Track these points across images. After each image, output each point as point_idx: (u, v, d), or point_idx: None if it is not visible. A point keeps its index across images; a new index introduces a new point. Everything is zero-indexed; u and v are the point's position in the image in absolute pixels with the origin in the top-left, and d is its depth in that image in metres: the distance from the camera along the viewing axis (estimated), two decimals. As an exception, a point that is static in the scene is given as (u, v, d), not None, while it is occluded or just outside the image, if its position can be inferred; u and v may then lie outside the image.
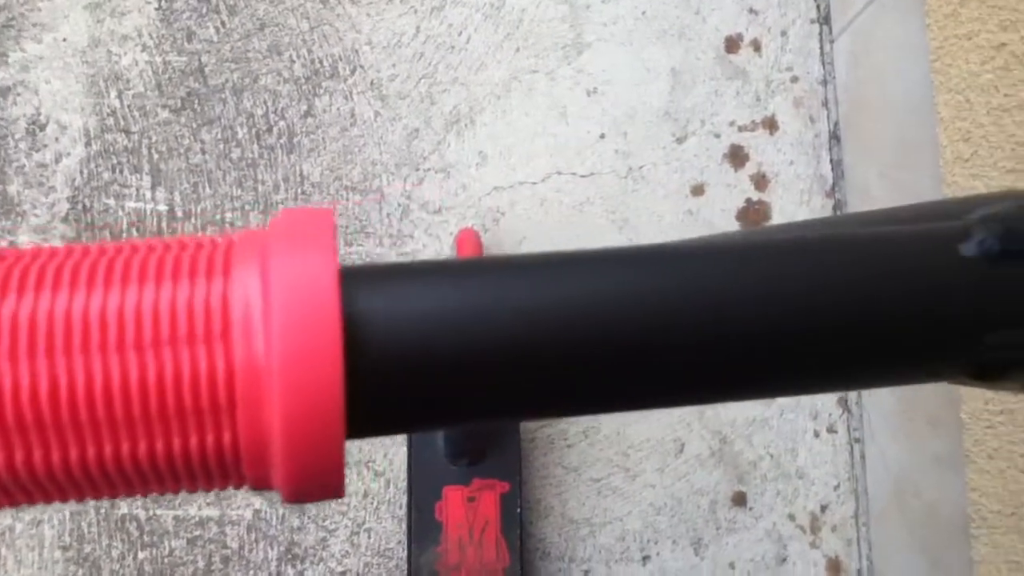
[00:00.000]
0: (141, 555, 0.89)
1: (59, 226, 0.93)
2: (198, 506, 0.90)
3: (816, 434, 0.93)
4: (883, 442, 0.88)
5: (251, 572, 0.90)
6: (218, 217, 0.94)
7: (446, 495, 0.85)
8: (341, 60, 0.95)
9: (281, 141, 0.94)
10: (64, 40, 0.95)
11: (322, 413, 0.18)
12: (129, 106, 0.94)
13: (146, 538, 0.89)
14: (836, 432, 0.93)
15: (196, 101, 0.95)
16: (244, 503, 0.90)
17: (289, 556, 0.90)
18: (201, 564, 0.89)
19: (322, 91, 0.95)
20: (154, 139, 0.94)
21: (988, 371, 0.23)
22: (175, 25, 0.95)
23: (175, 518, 0.90)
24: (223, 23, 0.95)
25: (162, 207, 0.94)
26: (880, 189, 0.86)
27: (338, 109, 0.95)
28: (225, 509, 0.90)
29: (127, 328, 0.18)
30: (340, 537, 0.91)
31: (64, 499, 0.19)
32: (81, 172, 0.94)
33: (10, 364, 0.17)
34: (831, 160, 0.96)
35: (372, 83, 0.95)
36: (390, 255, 0.94)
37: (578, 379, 0.20)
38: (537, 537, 0.91)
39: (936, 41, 0.69)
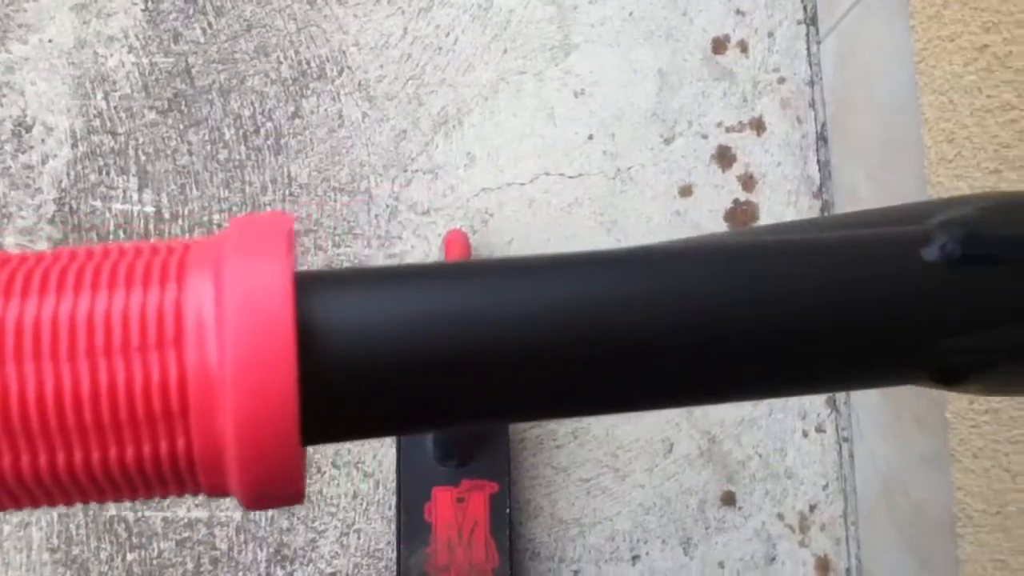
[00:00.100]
0: (130, 557, 0.89)
1: (45, 228, 0.93)
2: (187, 508, 0.90)
3: (805, 434, 0.94)
4: (872, 442, 0.88)
5: (240, 574, 0.90)
6: (205, 219, 0.93)
7: (435, 496, 0.85)
8: (329, 61, 0.95)
9: (268, 142, 0.94)
10: (50, 41, 0.95)
11: (276, 420, 0.18)
12: (116, 107, 0.94)
13: (135, 540, 0.89)
14: (825, 432, 0.94)
15: (183, 102, 0.94)
16: (233, 505, 0.90)
17: (278, 557, 0.90)
18: (190, 566, 0.89)
19: (310, 92, 0.95)
20: (141, 141, 0.94)
21: (950, 375, 0.23)
22: (162, 26, 0.95)
23: (164, 520, 0.90)
24: (210, 24, 0.95)
25: (149, 209, 0.94)
26: (867, 190, 0.86)
27: (326, 110, 0.95)
28: (214, 510, 0.90)
29: (79, 335, 0.18)
30: (329, 538, 0.91)
31: (18, 507, 0.19)
32: (68, 174, 0.93)
33: None
34: (818, 161, 0.96)
35: (360, 84, 0.95)
36: (378, 256, 0.94)
37: (535, 385, 0.20)
38: (527, 537, 0.91)
39: (920, 43, 0.69)
